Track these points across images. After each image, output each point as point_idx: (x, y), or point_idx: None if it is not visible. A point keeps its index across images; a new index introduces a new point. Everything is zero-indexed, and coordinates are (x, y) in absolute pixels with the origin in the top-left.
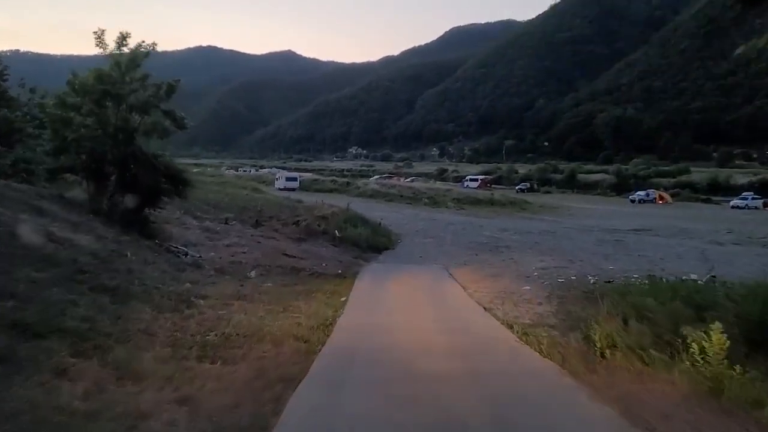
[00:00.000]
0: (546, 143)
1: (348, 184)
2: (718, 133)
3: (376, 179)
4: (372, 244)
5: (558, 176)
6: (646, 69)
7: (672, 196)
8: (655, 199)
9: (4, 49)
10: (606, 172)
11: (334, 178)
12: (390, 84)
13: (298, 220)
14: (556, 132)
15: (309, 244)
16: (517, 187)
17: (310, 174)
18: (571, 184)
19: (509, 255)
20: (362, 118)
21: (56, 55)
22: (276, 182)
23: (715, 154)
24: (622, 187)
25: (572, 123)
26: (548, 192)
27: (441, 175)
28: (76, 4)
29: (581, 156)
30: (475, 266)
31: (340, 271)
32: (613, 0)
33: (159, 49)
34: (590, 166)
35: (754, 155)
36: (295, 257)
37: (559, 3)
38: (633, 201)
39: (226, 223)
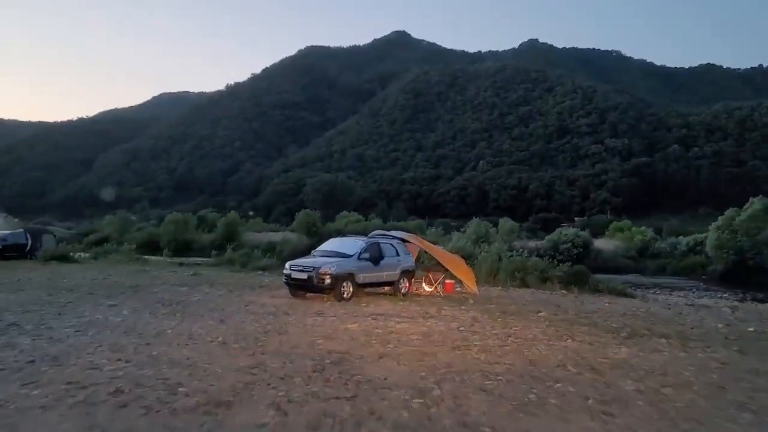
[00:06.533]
0: (251, 212)
1: None
2: (429, 205)
3: None
4: None
5: None
6: (358, 137)
7: None
8: None
9: None
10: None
11: None
12: (62, 138)
13: None
14: (263, 199)
15: None
16: None
17: None
18: None
19: None
20: (17, 178)
21: None
22: None
23: (432, 228)
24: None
25: (281, 189)
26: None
27: None
28: None
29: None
30: None
31: None
32: (324, 70)
33: None
34: None
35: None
36: None
37: (269, 67)
38: None
39: None
